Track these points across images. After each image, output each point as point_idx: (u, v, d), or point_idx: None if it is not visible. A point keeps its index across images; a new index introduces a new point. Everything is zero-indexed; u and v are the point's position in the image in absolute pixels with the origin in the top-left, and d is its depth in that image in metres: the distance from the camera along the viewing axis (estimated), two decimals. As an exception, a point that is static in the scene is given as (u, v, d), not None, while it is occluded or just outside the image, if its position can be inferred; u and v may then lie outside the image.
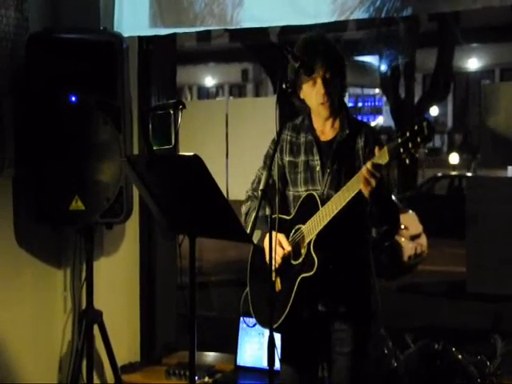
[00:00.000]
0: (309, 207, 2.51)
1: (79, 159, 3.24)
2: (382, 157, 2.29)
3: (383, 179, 2.35)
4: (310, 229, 2.49)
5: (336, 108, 2.58)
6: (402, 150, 2.21)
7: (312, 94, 2.54)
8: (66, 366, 3.61)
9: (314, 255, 2.45)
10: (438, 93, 15.68)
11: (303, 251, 2.50)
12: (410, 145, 2.18)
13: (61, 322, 3.70)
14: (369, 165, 2.31)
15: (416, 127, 2.17)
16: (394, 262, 8.99)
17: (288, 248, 2.52)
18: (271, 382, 2.34)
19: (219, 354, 3.89)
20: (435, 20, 14.39)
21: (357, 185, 2.35)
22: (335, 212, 2.40)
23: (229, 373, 3.56)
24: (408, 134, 2.18)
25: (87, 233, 3.37)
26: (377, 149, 2.33)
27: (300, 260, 2.52)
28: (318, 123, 2.62)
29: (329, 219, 2.42)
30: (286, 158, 2.66)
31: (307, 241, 2.49)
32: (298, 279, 2.48)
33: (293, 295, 2.49)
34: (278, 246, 2.52)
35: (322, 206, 2.45)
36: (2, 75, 3.35)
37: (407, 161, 2.22)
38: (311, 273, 2.45)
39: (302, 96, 2.58)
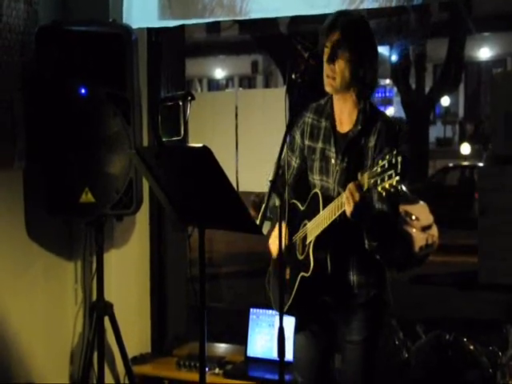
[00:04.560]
0: (314, 205, 2.49)
1: (89, 151, 3.24)
2: (362, 183, 2.25)
3: (367, 202, 2.30)
4: (311, 230, 2.48)
5: (342, 89, 2.50)
6: (378, 180, 2.15)
7: (324, 65, 2.49)
8: (78, 358, 3.63)
9: (311, 257, 2.45)
10: (449, 83, 15.56)
11: (306, 249, 2.50)
12: (386, 178, 2.12)
13: (72, 314, 3.72)
14: (351, 185, 2.28)
15: (393, 161, 2.11)
16: (406, 253, 8.95)
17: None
18: (281, 373, 2.34)
19: (229, 345, 3.90)
20: (446, 9, 14.29)
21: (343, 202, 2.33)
22: (328, 223, 2.39)
23: (239, 364, 3.57)
24: (386, 166, 2.13)
25: (97, 225, 3.38)
26: (359, 174, 2.30)
27: (303, 257, 2.52)
28: (338, 110, 2.57)
29: (324, 226, 2.41)
30: (306, 142, 2.63)
31: (308, 241, 2.49)
32: (299, 276, 2.49)
33: (294, 290, 2.50)
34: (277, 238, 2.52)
35: (324, 207, 2.43)
36: (13, 68, 3.35)
37: (384, 193, 2.16)
38: (307, 274, 2.45)
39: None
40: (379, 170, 2.15)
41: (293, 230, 2.58)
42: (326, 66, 2.49)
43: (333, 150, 2.54)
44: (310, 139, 2.62)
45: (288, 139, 2.66)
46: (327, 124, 2.58)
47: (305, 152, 2.64)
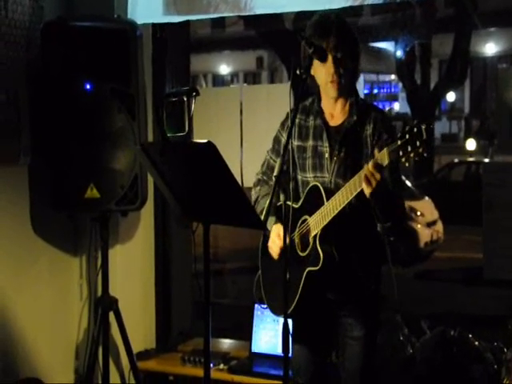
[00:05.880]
0: (315, 199, 2.48)
1: (94, 147, 3.25)
2: (381, 159, 2.24)
3: (385, 179, 2.31)
4: (316, 222, 2.46)
5: (345, 90, 2.52)
6: (401, 152, 2.15)
7: (322, 70, 2.49)
8: (83, 353, 3.64)
9: (319, 250, 2.44)
10: (455, 78, 15.51)
11: (310, 244, 2.49)
12: (409, 148, 2.12)
13: (77, 309, 3.73)
14: (370, 165, 2.27)
15: (415, 130, 2.10)
16: (411, 249, 8.94)
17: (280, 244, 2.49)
18: (286, 368, 2.34)
19: (234, 340, 3.91)
20: (452, 4, 14.24)
21: (359, 183, 2.31)
22: (338, 209, 2.37)
23: (244, 359, 3.58)
24: (407, 137, 2.12)
25: (102, 220, 3.39)
26: (376, 151, 2.29)
27: (307, 252, 2.51)
28: (326, 106, 2.58)
29: (332, 216, 2.39)
30: (295, 143, 2.62)
31: (313, 234, 2.48)
32: (305, 272, 2.48)
33: (300, 287, 2.48)
34: (277, 238, 2.53)
35: (328, 198, 2.42)
36: (18, 64, 3.36)
37: (407, 164, 2.16)
38: (317, 267, 2.44)
39: (312, 72, 2.49)
40: (399, 142, 2.14)
41: (291, 229, 2.55)
42: (329, 72, 2.48)
43: (326, 144, 2.54)
44: (298, 139, 2.62)
45: (276, 144, 2.68)
46: (317, 121, 2.58)
47: (294, 153, 2.61)
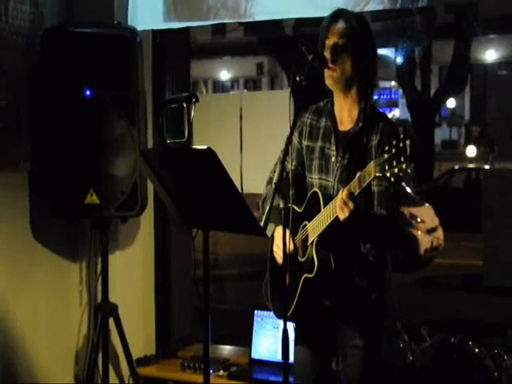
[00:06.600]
0: (314, 205, 2.47)
1: (94, 153, 3.25)
2: (368, 172, 2.24)
3: (358, 207, 2.30)
4: (313, 229, 2.46)
5: (343, 85, 2.49)
6: (387, 166, 2.14)
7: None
8: (82, 359, 3.64)
9: (314, 257, 2.43)
10: (455, 85, 15.54)
11: (308, 250, 2.49)
12: (395, 163, 2.12)
13: (76, 315, 3.72)
14: (344, 194, 2.28)
15: (401, 145, 2.10)
16: (411, 256, 8.94)
17: (291, 247, 2.47)
18: (286, 375, 2.34)
19: (234, 347, 3.90)
20: (452, 11, 14.27)
21: (334, 210, 2.33)
22: (332, 218, 2.36)
23: (243, 366, 3.57)
24: (394, 151, 2.12)
25: (102, 226, 3.39)
26: (357, 176, 2.28)
27: (304, 258, 2.51)
28: (338, 110, 2.57)
29: (327, 224, 2.39)
30: (305, 143, 2.62)
31: (310, 240, 2.47)
32: (302, 278, 2.47)
33: (298, 293, 2.48)
34: (281, 244, 2.52)
35: (325, 205, 2.41)
36: (18, 70, 3.37)
37: (392, 179, 2.16)
38: (312, 274, 2.43)
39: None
40: (386, 156, 2.14)
41: (293, 234, 2.55)
42: (327, 58, 2.47)
43: (333, 147, 2.53)
44: (308, 139, 2.62)
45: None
46: (327, 123, 2.57)
47: (303, 153, 2.63)
